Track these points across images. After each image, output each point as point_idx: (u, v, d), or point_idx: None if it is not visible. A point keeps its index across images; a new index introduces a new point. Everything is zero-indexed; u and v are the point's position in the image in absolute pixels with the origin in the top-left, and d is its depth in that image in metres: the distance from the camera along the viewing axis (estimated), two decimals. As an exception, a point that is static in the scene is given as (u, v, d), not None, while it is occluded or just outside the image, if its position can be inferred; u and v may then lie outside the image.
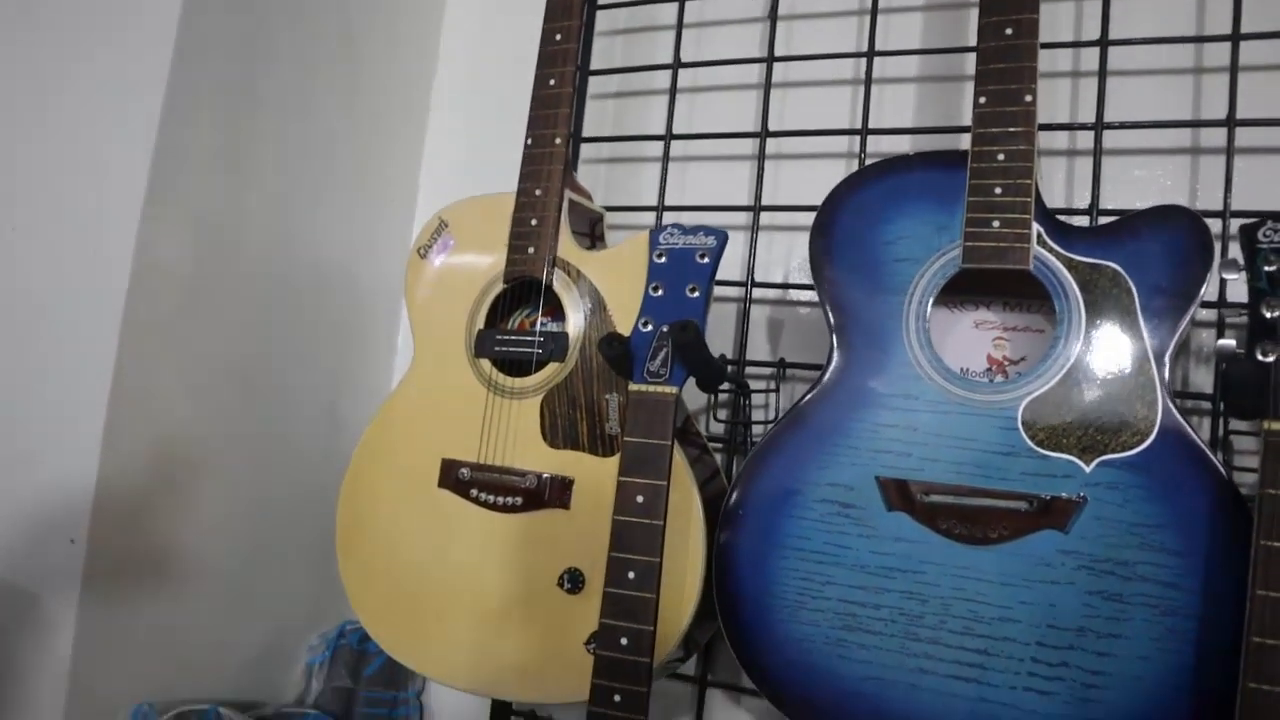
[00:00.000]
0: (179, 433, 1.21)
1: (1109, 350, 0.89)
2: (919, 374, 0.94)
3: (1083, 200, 1.12)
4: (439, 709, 1.45)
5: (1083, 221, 1.09)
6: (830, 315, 0.99)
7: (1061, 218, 0.95)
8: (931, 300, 0.95)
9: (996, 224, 0.93)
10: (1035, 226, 0.93)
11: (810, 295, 1.26)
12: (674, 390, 0.96)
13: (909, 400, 0.94)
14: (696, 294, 0.98)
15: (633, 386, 0.97)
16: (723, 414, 1.24)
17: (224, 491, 1.27)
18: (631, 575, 0.94)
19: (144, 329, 1.14)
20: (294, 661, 1.41)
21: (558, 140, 1.13)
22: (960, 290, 0.99)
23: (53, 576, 1.12)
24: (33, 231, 1.19)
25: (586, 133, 1.36)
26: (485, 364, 1.13)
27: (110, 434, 1.11)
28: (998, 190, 0.93)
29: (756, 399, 1.21)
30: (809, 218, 1.23)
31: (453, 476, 1.12)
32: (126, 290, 1.12)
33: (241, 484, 1.30)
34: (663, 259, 1.01)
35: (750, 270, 1.22)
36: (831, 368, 0.98)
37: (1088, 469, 0.88)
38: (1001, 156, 0.94)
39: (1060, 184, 1.17)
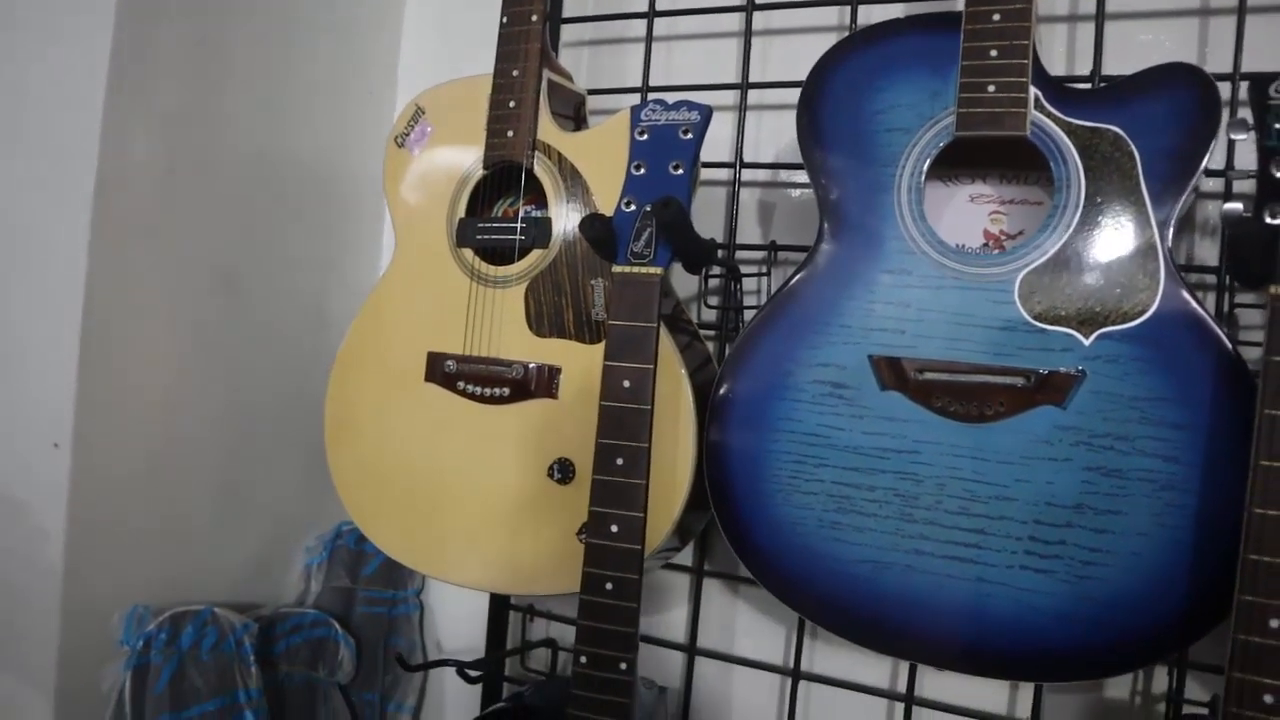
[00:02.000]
0: (159, 334, 1.18)
1: (1109, 218, 0.86)
2: (911, 249, 0.91)
3: (1084, 68, 1.07)
4: (438, 606, 1.45)
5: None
6: (820, 191, 0.96)
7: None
8: (924, 171, 0.92)
9: (992, 88, 0.89)
10: (1033, 90, 0.88)
11: (802, 176, 1.21)
12: (658, 270, 0.92)
13: (902, 276, 0.91)
14: (680, 171, 0.94)
15: (616, 268, 0.94)
16: (714, 300, 1.21)
17: (211, 392, 1.25)
18: (620, 461, 0.92)
19: (116, 229, 1.11)
20: (292, 563, 1.41)
21: (534, 18, 1.08)
22: (955, 162, 0.95)
23: (39, 483, 1.10)
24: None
25: (567, 13, 1.30)
26: (468, 253, 1.10)
27: (87, 336, 1.09)
28: (993, 53, 0.89)
29: (748, 284, 1.18)
30: (794, 95, 1.20)
31: (439, 369, 1.09)
32: (93, 189, 1.09)
33: (228, 385, 1.27)
34: (645, 136, 0.96)
35: (739, 150, 1.18)
36: (821, 245, 0.95)
37: (1086, 342, 0.85)
38: (997, 17, 0.89)
39: (1061, 53, 1.11)
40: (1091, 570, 0.83)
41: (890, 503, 0.89)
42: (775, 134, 1.24)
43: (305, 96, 1.36)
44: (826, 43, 1.19)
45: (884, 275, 0.91)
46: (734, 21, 1.25)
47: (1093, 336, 0.84)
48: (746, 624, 1.24)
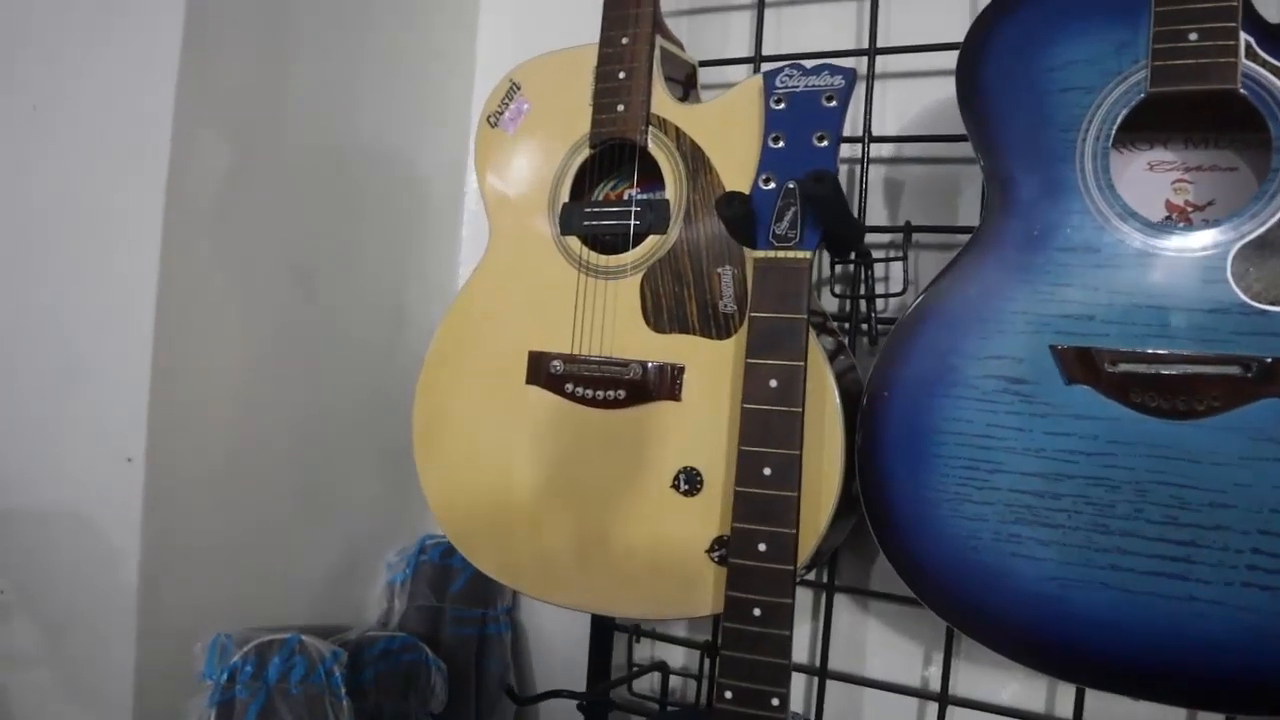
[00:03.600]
0: (232, 336, 1.09)
1: (1342, 181, 0.74)
2: (1099, 223, 0.80)
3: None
4: (532, 624, 1.35)
5: None
6: (985, 162, 0.85)
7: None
8: (1111, 135, 0.80)
9: (1194, 36, 0.77)
10: (1244, 35, 0.77)
11: (933, 150, 1.10)
12: (808, 255, 0.82)
13: (1088, 254, 0.80)
14: (825, 143, 0.84)
15: (757, 253, 0.84)
16: (838, 288, 1.10)
17: (285, 398, 1.16)
18: (767, 471, 0.81)
19: (187, 227, 1.02)
20: (374, 580, 1.31)
21: (645, -23, 0.98)
22: (1130, 125, 0.83)
23: (112, 500, 1.01)
24: (57, 117, 1.06)
25: (666, -21, 1.20)
26: (574, 241, 1.00)
27: (160, 343, 1.00)
28: (1194, -6, 0.77)
29: (877, 270, 1.07)
30: (927, 61, 1.10)
31: (543, 371, 0.99)
32: (165, 185, 1.00)
33: (304, 390, 1.18)
34: (781, 105, 0.86)
35: (867, 123, 1.07)
36: (988, 223, 0.84)
37: (1318, 324, 0.73)
38: (1196, -49, 0.77)
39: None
40: (1330, 588, 0.72)
41: (1080, 512, 0.78)
42: (900, 104, 1.12)
43: (377, 79, 1.26)
44: (955, 3, 1.10)
45: (1066, 254, 0.80)
46: (850, -18, 1.14)
47: (1325, 318, 0.73)
48: (877, 642, 1.13)
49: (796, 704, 1.13)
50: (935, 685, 1.06)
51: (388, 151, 1.29)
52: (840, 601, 1.13)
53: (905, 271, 1.02)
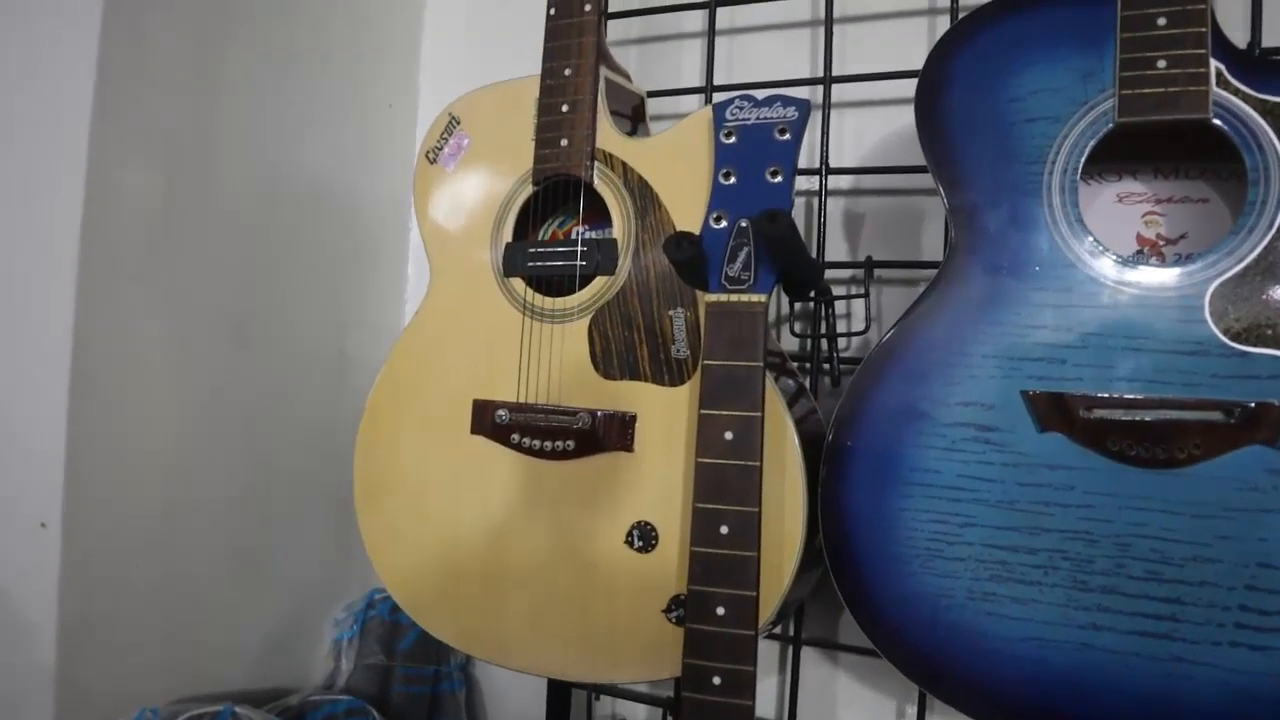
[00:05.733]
0: (160, 388, 1.02)
1: (1323, 213, 0.70)
2: (1069, 259, 0.75)
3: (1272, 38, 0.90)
4: (488, 679, 1.29)
5: None
6: (948, 197, 0.80)
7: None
8: (1079, 168, 0.76)
9: (1162, 64, 0.73)
10: (1214, 63, 0.73)
11: (893, 181, 1.06)
12: (763, 298, 0.77)
13: (1059, 294, 0.75)
14: (779, 178, 0.79)
15: (709, 297, 0.79)
16: (798, 326, 1.06)
17: (220, 453, 1.09)
18: (724, 529, 0.76)
19: (107, 270, 0.96)
20: (319, 640, 1.24)
21: (587, 7, 0.93)
22: (1098, 157, 0.79)
23: (25, 568, 0.94)
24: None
25: (613, 7, 1.15)
26: (517, 283, 0.94)
27: (76, 397, 0.93)
28: (1161, 21, 0.73)
29: (838, 307, 1.02)
30: (886, 89, 1.05)
31: (488, 420, 0.93)
32: (80, 224, 0.93)
33: (240, 443, 1.11)
34: (732, 139, 0.81)
35: (824, 154, 1.02)
36: (953, 261, 0.79)
37: (1302, 365, 0.69)
38: (1163, -24, 0.74)
39: (1239, 14, 0.91)
40: (1323, 646, 0.68)
41: (1058, 568, 0.74)
42: (859, 134, 1.08)
43: (314, 112, 1.21)
44: (911, 29, 1.06)
45: (1036, 293, 0.76)
46: (804, 9, 1.10)
47: (1310, 359, 0.69)
48: (847, 696, 1.08)
49: (765, 762, 1.08)
50: (908, 741, 1.01)
51: (326, 188, 1.23)
52: (808, 655, 1.07)
53: (867, 309, 0.97)
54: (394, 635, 1.23)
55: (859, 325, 1.00)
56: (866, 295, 0.97)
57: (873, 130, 1.09)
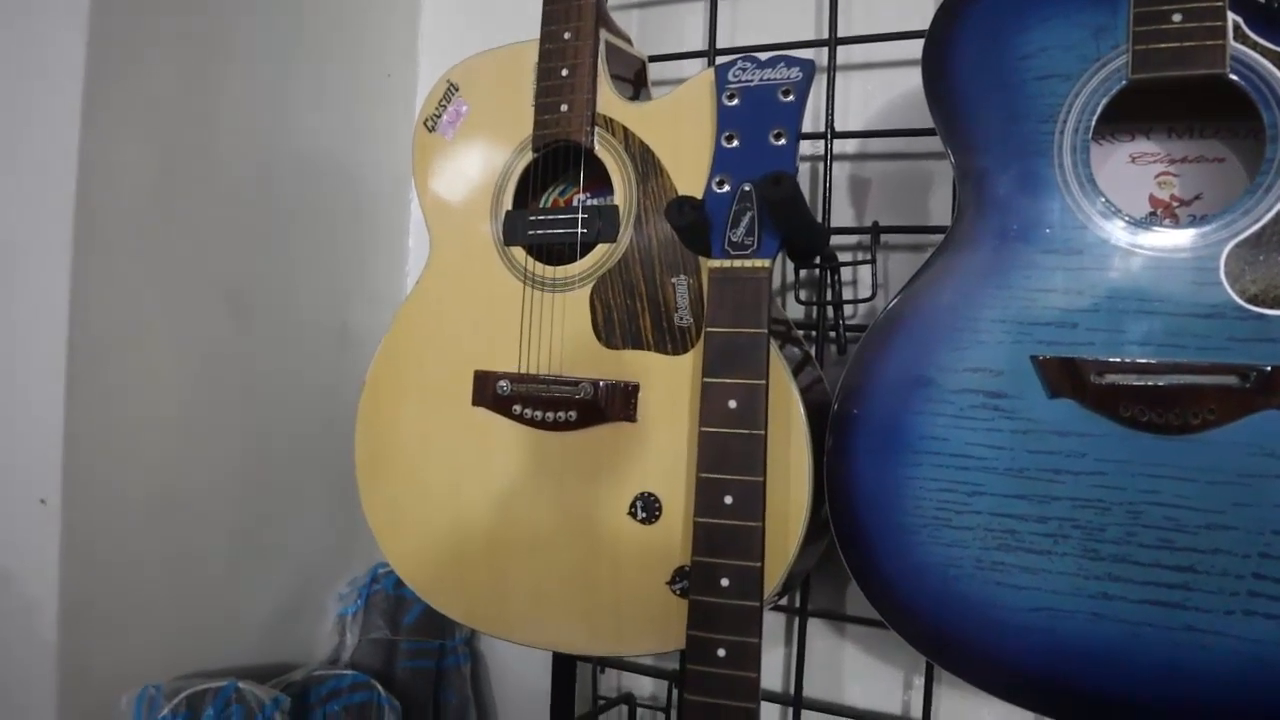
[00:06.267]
0: (159, 364, 1.01)
1: (1343, 171, 0.68)
2: (1081, 221, 0.73)
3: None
4: (493, 653, 1.28)
5: None
6: (956, 159, 0.78)
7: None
8: (1092, 126, 0.74)
9: (1178, 17, 0.71)
10: (1231, 16, 0.71)
11: (900, 145, 1.04)
12: (766, 264, 0.75)
13: (1070, 256, 0.73)
14: (783, 141, 0.77)
15: (712, 263, 0.77)
16: (803, 294, 1.04)
17: (222, 427, 1.08)
18: (729, 500, 0.75)
19: (104, 244, 0.95)
20: (324, 615, 1.24)
21: (586, -33, 0.91)
22: (1110, 116, 0.77)
23: (25, 546, 0.94)
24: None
25: (613, -31, 1.13)
26: (518, 252, 0.93)
27: (74, 372, 0.92)
28: (1177, -28, 0.71)
29: (844, 274, 1.00)
30: (892, 51, 1.04)
31: (489, 391, 0.92)
32: (74, 197, 0.92)
33: (241, 418, 1.10)
34: (735, 101, 0.80)
35: (829, 118, 1.00)
36: (961, 224, 0.78)
37: (1321, 328, 0.67)
38: (1177, -74, 0.71)
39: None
40: (1340, 615, 0.66)
41: (1068, 536, 0.72)
42: (865, 97, 1.06)
43: (312, 83, 1.19)
44: (918, -13, 1.04)
45: (1046, 256, 0.74)
46: (809, -32, 1.08)
47: (1328, 321, 0.67)
48: (854, 668, 1.07)
49: (771, 734, 1.07)
50: (916, 712, 1.00)
51: (326, 159, 1.21)
52: (814, 626, 1.06)
53: (874, 275, 0.95)
54: (398, 609, 1.22)
55: (865, 292, 0.98)
56: (874, 261, 0.95)
57: (880, 93, 1.07)
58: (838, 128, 1.02)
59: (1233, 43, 0.70)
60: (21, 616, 0.93)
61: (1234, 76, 0.70)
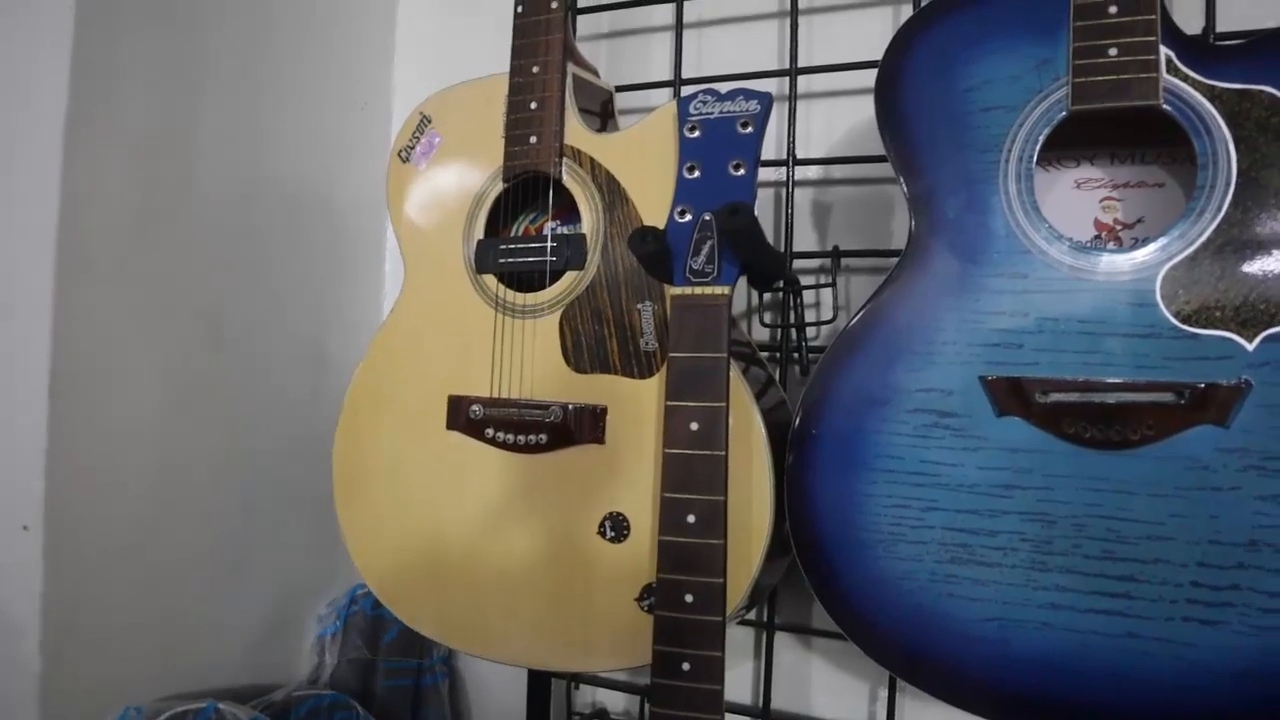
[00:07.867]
0: (139, 390, 1.03)
1: (1270, 197, 0.71)
2: (1025, 246, 0.77)
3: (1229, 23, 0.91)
4: (471, 671, 1.30)
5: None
6: (908, 186, 0.81)
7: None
8: (1035, 155, 0.77)
9: (1114, 51, 0.75)
10: (1164, 50, 0.74)
11: (861, 170, 1.07)
12: (726, 291, 0.78)
13: (1015, 280, 0.77)
14: (742, 171, 0.80)
15: (674, 290, 0.80)
16: (767, 316, 1.07)
17: (200, 452, 1.10)
18: (691, 519, 0.77)
19: (85, 272, 0.97)
20: (303, 636, 1.26)
21: (554, 4, 0.94)
22: (1055, 144, 0.80)
23: (8, 572, 0.95)
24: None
25: (582, 2, 1.16)
26: (490, 280, 0.96)
27: (55, 400, 0.94)
28: (1112, 9, 0.75)
29: (807, 296, 1.04)
30: (851, 80, 1.07)
31: (462, 415, 0.95)
32: (56, 225, 0.94)
33: (220, 442, 1.12)
34: (696, 133, 0.83)
35: (790, 146, 1.04)
36: (913, 249, 0.81)
37: (1250, 347, 0.70)
38: (1113, -34, 0.75)
39: (1196, 7, 0.92)
40: (1274, 619, 0.69)
41: (1017, 549, 0.75)
42: (826, 124, 1.09)
43: (292, 111, 1.22)
44: (880, 20, 1.07)
45: (993, 280, 0.77)
46: (770, 1, 1.11)
47: (1257, 340, 0.70)
48: (822, 680, 1.09)
49: (743, 747, 1.10)
50: (883, 722, 1.03)
51: (303, 188, 1.24)
52: (782, 640, 1.09)
53: (835, 298, 0.99)
54: (377, 630, 1.24)
55: (827, 314, 1.01)
56: (834, 284, 0.99)
57: (842, 120, 1.10)
58: (801, 154, 1.06)
59: (1165, 75, 0.74)
60: (5, 641, 0.94)
61: (1167, 107, 0.74)
